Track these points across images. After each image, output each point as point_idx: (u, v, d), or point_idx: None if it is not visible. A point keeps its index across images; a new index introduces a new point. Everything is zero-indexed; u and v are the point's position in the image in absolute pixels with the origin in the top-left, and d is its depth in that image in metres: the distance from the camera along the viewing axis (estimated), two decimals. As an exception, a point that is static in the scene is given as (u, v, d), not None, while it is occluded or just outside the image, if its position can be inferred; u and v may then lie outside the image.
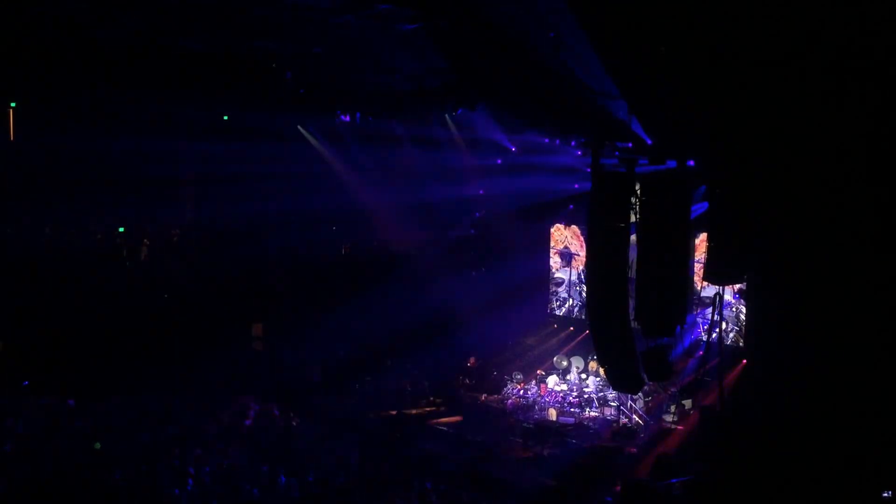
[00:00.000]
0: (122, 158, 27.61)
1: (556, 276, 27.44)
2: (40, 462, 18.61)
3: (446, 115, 22.46)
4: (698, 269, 20.46)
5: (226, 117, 29.41)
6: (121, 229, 30.67)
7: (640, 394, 21.71)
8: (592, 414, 23.01)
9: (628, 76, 18.39)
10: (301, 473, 18.41)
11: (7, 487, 17.09)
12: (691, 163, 17.72)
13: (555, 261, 27.43)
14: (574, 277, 26.50)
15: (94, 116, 26.86)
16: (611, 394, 22.99)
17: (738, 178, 16.86)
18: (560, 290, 27.17)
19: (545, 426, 22.29)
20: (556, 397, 23.78)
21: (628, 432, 21.70)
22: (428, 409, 25.53)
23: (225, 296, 29.51)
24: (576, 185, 25.38)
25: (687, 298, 18.38)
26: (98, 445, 20.12)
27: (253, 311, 30.32)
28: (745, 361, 20.54)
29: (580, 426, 22.16)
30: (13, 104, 26.24)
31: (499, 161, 26.34)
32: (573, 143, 21.75)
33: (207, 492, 17.16)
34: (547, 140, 22.57)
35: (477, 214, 29.20)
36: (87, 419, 22.18)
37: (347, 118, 25.45)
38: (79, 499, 16.47)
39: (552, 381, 24.64)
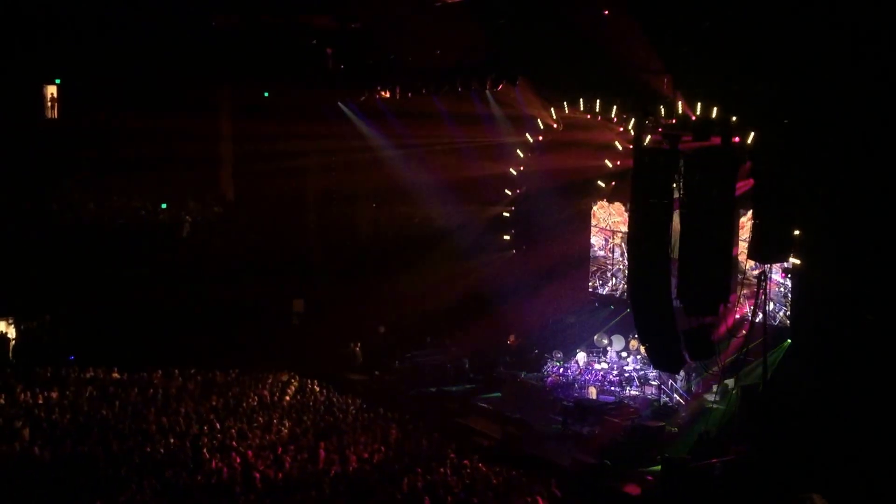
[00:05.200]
0: (165, 136, 27.82)
1: (598, 254, 27.21)
2: (85, 433, 18.88)
3: (487, 91, 22.20)
4: (743, 247, 20.11)
5: (266, 94, 29.52)
6: (163, 205, 30.97)
7: (681, 373, 21.47)
8: (633, 393, 22.82)
9: (674, 50, 18.13)
10: (340, 448, 18.49)
11: (53, 457, 17.37)
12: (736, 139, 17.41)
13: (597, 239, 27.18)
14: (618, 255, 26.24)
15: (137, 95, 27.10)
16: (651, 372, 22.81)
17: (784, 155, 16.57)
18: (604, 268, 26.96)
19: (585, 404, 22.15)
20: (596, 376, 23.62)
21: (669, 411, 21.52)
22: (468, 386, 25.51)
23: (266, 272, 29.70)
24: (618, 162, 25.04)
25: (730, 277, 18.10)
26: None
27: (294, 287, 30.50)
28: (789, 340, 20.21)
29: (620, 405, 22.00)
30: (58, 81, 26.51)
31: (540, 137, 26.09)
32: (615, 119, 21.44)
33: (248, 465, 17.30)
34: (589, 115, 22.26)
35: (518, 191, 29.00)
36: (131, 391, 22.50)
37: (388, 94, 25.37)
38: (123, 470, 16.67)
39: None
